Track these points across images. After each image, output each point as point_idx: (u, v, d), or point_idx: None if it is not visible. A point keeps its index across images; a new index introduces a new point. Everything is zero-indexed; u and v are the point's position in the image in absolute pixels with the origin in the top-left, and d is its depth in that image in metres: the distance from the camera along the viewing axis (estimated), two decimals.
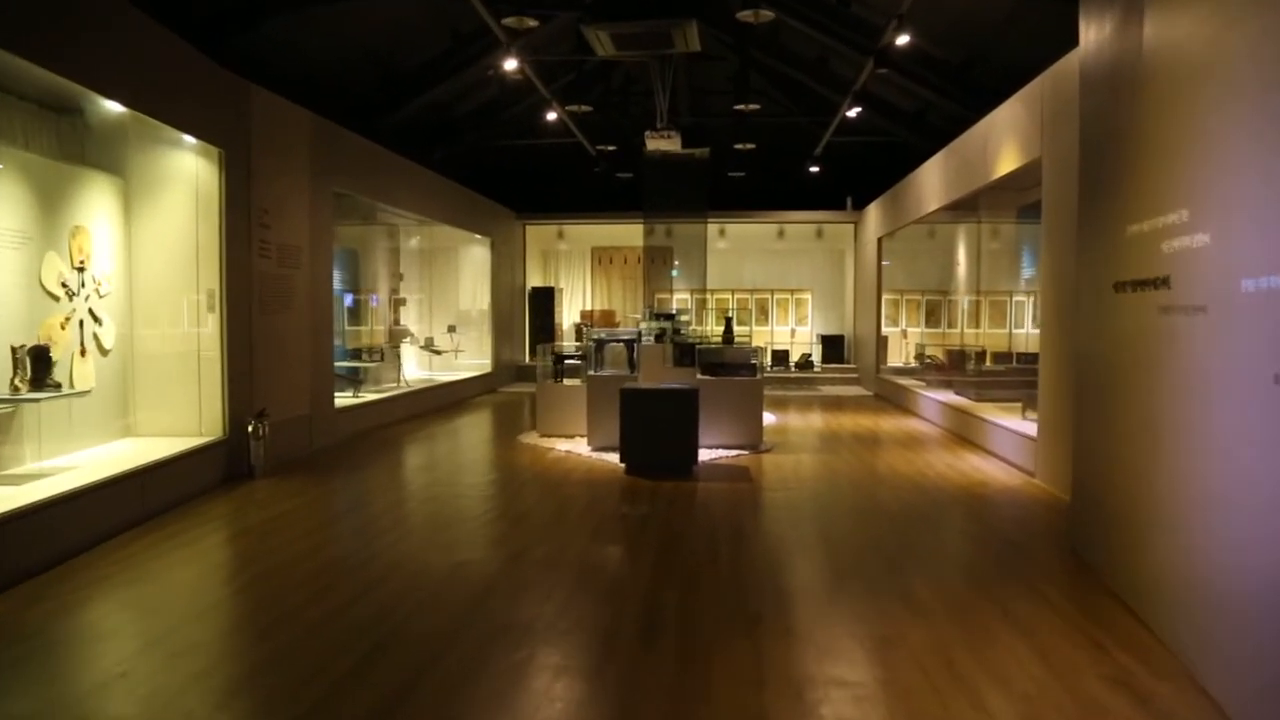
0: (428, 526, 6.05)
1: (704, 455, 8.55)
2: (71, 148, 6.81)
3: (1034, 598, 4.45)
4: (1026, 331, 14.79)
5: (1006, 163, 8.46)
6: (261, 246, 8.02)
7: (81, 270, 6.68)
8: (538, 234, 19.00)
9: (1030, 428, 8.07)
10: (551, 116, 11.92)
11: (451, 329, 15.66)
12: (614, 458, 8.13)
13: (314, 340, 9.10)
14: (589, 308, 19.56)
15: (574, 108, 11.21)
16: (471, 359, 16.03)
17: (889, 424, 11.41)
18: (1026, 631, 3.99)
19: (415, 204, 12.62)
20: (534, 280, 19.13)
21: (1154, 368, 4.04)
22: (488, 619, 4.16)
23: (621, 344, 9.27)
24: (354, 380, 11.11)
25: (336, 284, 11.68)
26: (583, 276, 19.90)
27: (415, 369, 14.70)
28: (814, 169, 15.81)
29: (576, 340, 15.58)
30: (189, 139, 7.20)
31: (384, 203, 11.70)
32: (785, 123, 15.67)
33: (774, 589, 4.65)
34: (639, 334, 9.48)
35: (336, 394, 10.78)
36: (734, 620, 4.15)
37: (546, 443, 9.41)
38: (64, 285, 6.48)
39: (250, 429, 7.54)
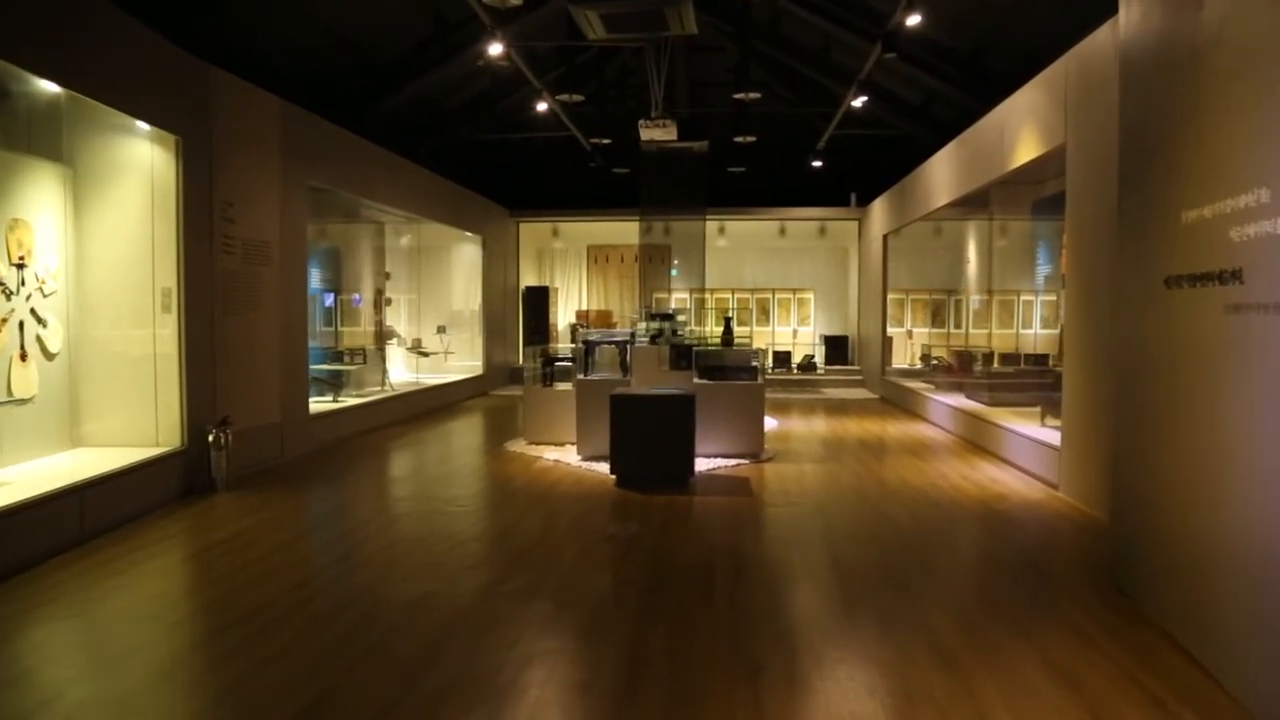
0: (394, 549, 5.49)
1: (701, 465, 7.99)
2: (11, 134, 6.26)
3: (1076, 640, 3.89)
4: (1035, 332, 14.25)
5: (1025, 151, 7.90)
6: (225, 242, 7.46)
7: (21, 267, 6.12)
8: (532, 231, 18.45)
9: (1052, 436, 7.51)
10: (542, 107, 11.36)
11: (441, 330, 15.11)
12: (604, 468, 7.58)
13: (286, 342, 8.54)
14: (585, 308, 19.01)
15: (565, 97, 10.65)
16: (462, 361, 15.49)
17: (896, 429, 10.85)
18: (1073, 683, 3.42)
19: (401, 200, 12.06)
20: (528, 279, 18.57)
21: (1219, 374, 3.48)
22: (444, 669, 3.60)
23: (614, 346, 8.69)
24: (334, 384, 10.56)
25: (317, 283, 11.14)
26: (579, 276, 19.35)
27: (403, 372, 14.15)
28: (816, 164, 15.25)
29: (572, 342, 15.02)
30: (142, 125, 6.66)
31: (366, 198, 11.15)
32: (787, 115, 15.12)
33: (777, 628, 4.08)
34: (632, 335, 8.92)
35: (314, 399, 10.24)
36: (731, 669, 3.59)
37: (534, 451, 8.85)
38: (0, 283, 5.92)
39: (211, 438, 6.98)
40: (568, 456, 8.47)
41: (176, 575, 5.08)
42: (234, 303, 7.61)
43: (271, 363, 8.29)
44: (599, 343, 8.72)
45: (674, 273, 18.04)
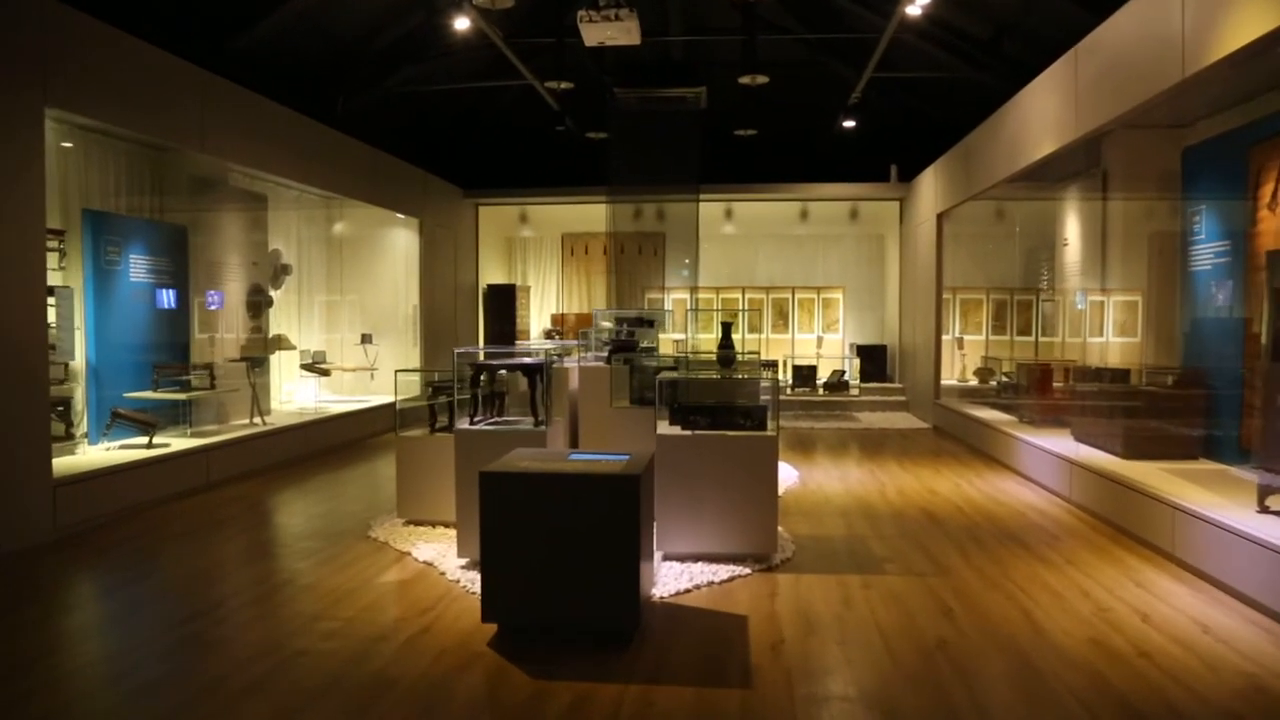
0: None
1: (670, 578, 4.58)
2: None
3: None
4: (1105, 340, 10.74)
5: (1242, 30, 4.40)
6: None
7: None
8: (495, 217, 15.07)
9: None
10: (463, 24, 7.96)
11: (366, 340, 11.76)
12: None
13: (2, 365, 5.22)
14: (562, 310, 15.66)
15: (486, 2, 7.24)
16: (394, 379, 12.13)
17: (975, 489, 7.35)
18: None
19: (276, 163, 8.72)
20: (494, 276, 15.21)
21: None
22: None
23: (519, 373, 5.18)
24: (148, 422, 7.21)
25: (145, 275, 7.83)
26: (556, 270, 15.97)
27: (317, 394, 10.81)
28: (848, 124, 11.79)
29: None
30: None
31: (197, 151, 7.80)
32: (809, 66, 11.64)
33: None
34: (550, 354, 5.47)
35: (111, 444, 6.95)
36: None
37: (403, 540, 5.45)
38: None
39: None
40: (448, 557, 5.07)
41: None
42: None
43: None
44: (492, 366, 5.26)
45: (685, 273, 14.66)
